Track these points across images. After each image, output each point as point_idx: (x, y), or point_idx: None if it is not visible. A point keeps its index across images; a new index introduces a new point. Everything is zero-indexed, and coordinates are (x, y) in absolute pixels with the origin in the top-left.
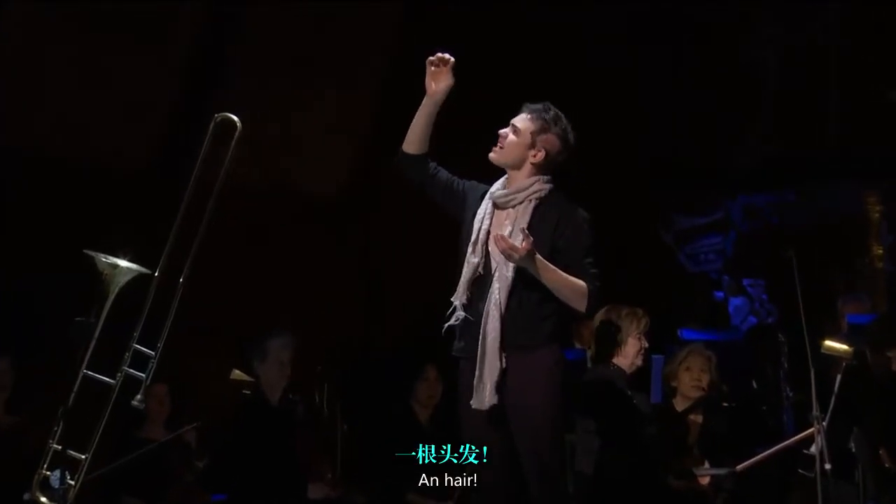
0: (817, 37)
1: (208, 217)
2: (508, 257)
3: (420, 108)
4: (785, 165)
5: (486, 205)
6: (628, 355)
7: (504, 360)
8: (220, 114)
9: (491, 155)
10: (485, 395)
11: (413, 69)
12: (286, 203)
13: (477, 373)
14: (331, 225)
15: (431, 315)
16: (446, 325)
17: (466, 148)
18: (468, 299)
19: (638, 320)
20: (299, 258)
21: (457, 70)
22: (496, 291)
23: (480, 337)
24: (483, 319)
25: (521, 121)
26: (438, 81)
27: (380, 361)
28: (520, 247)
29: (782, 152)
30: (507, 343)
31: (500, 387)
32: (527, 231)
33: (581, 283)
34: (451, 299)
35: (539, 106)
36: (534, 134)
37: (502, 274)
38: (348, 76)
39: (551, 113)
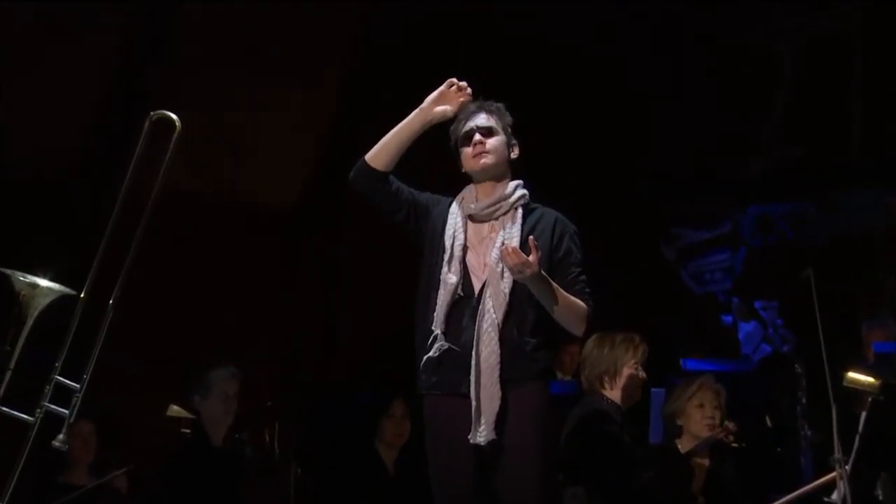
0: (838, 26)
1: (143, 230)
2: (518, 273)
3: (406, 122)
4: (802, 172)
5: (456, 217)
6: (623, 388)
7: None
8: (156, 111)
9: (482, 162)
10: (482, 430)
11: (379, 65)
12: (234, 215)
13: (474, 404)
14: (286, 240)
15: (399, 343)
16: (426, 357)
17: (433, 157)
18: (446, 326)
19: (634, 348)
20: (249, 278)
21: (424, 71)
22: (491, 311)
23: (474, 364)
24: (475, 345)
25: (487, 120)
26: (444, 104)
27: (340, 396)
28: (532, 260)
29: (799, 157)
30: (502, 375)
31: (499, 421)
32: (536, 243)
33: (581, 304)
34: (432, 328)
35: (479, 102)
36: (505, 128)
37: (497, 290)
38: (307, 71)
39: (493, 103)
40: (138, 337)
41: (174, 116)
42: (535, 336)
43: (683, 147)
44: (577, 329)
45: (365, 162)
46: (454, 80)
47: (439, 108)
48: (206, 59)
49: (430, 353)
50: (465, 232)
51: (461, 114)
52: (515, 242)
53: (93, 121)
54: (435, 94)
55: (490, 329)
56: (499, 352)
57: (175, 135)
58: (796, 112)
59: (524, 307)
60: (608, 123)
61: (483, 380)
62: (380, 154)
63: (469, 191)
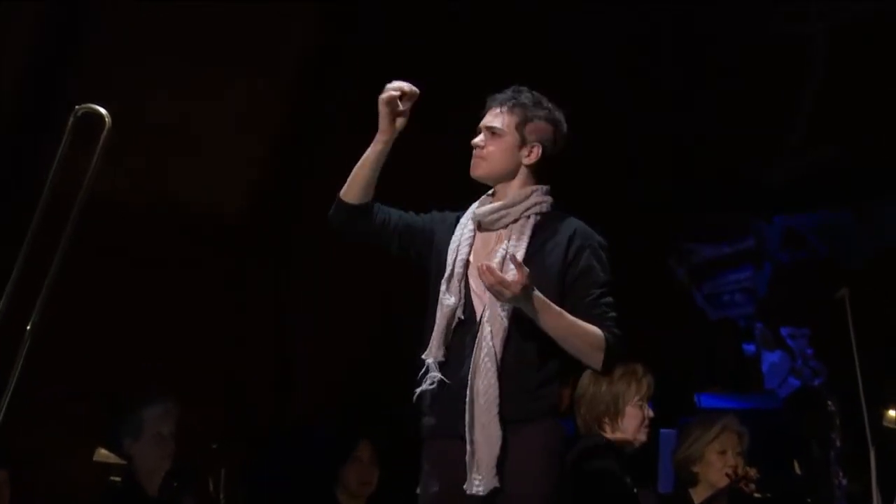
0: (878, 6)
1: (65, 244)
2: (497, 295)
3: (369, 149)
4: (836, 177)
5: (464, 229)
6: (627, 429)
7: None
8: (82, 105)
9: (474, 172)
10: (480, 478)
11: (340, 53)
12: (171, 226)
13: (469, 448)
14: (232, 256)
15: (365, 377)
16: (418, 392)
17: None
18: (444, 356)
19: (637, 382)
20: (189, 300)
21: (391, 59)
22: (488, 338)
23: (469, 401)
24: (471, 378)
25: (497, 118)
26: (397, 118)
27: (295, 437)
28: (512, 281)
29: (832, 160)
30: (503, 413)
31: (500, 466)
32: (519, 260)
33: (595, 330)
34: (423, 357)
35: (508, 93)
36: (519, 127)
37: (495, 314)
38: (257, 60)
39: (527, 95)
40: (60, 369)
41: (103, 111)
42: (542, 368)
43: (697, 148)
44: (592, 360)
45: (339, 199)
46: (395, 91)
47: (398, 124)
48: (136, 46)
49: (422, 387)
50: (472, 245)
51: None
52: (520, 256)
53: (4, 118)
54: (385, 111)
55: (487, 360)
56: (497, 385)
57: (104, 132)
58: (829, 107)
59: (529, 334)
60: (606, 123)
61: (481, 419)
62: (351, 186)
63: (485, 196)
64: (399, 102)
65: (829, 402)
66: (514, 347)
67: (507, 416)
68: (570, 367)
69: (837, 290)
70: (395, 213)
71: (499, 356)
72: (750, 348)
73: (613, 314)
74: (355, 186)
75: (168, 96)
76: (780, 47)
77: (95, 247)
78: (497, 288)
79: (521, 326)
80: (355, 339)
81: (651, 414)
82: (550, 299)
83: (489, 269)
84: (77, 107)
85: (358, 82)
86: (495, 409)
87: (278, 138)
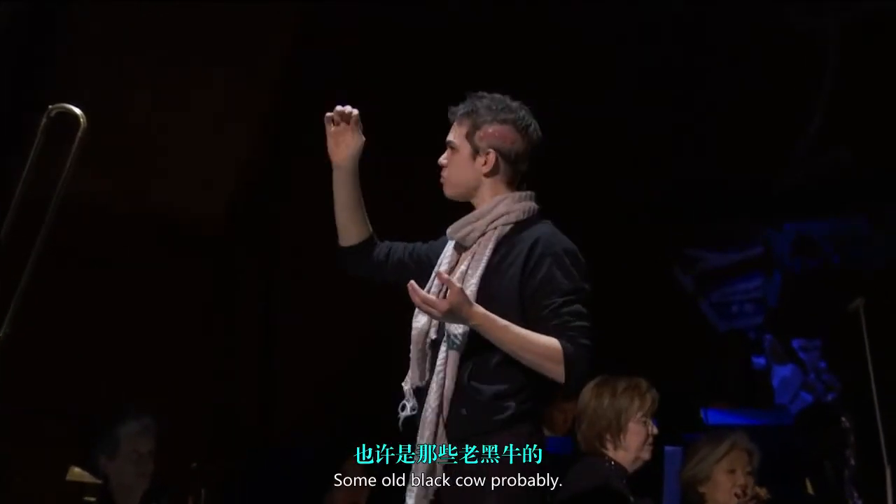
0: (892, 6)
1: (38, 250)
2: (429, 314)
3: (334, 184)
4: (850, 181)
5: (448, 247)
6: (630, 447)
7: (450, 451)
8: (56, 105)
9: (444, 192)
10: (417, 490)
11: (324, 48)
12: (149, 231)
13: (414, 464)
14: (212, 262)
15: (353, 389)
16: (402, 416)
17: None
18: (421, 378)
19: (641, 397)
20: (168, 309)
21: (376, 58)
22: (443, 357)
23: (429, 420)
24: (427, 398)
25: (453, 131)
26: (342, 144)
27: (281, 453)
28: (439, 300)
29: (845, 164)
30: (453, 435)
31: (444, 487)
32: (448, 277)
33: (551, 342)
34: (402, 384)
35: (464, 103)
36: (469, 137)
37: (451, 332)
38: (236, 56)
39: (482, 101)
40: (31, 382)
41: (78, 111)
42: (502, 383)
43: (703, 150)
44: (553, 374)
45: (339, 246)
46: (328, 114)
47: (349, 150)
48: (109, 43)
49: (401, 415)
50: (451, 261)
51: None
52: (480, 271)
53: None
54: (329, 140)
55: (441, 379)
56: (448, 406)
57: (79, 133)
58: (842, 107)
59: (486, 350)
60: (607, 124)
61: (425, 432)
62: (340, 231)
63: None
64: (336, 126)
65: (843, 418)
66: (471, 364)
67: (463, 433)
68: (545, 385)
69: (851, 301)
70: (398, 250)
71: (453, 375)
72: (760, 361)
73: (580, 324)
74: (339, 228)
75: (140, 95)
76: (791, 46)
77: (70, 254)
78: (423, 308)
79: (481, 343)
80: (342, 350)
81: (655, 430)
82: (511, 312)
83: (413, 288)
84: (51, 107)
85: (349, 81)
86: (441, 430)
87: (259, 136)
